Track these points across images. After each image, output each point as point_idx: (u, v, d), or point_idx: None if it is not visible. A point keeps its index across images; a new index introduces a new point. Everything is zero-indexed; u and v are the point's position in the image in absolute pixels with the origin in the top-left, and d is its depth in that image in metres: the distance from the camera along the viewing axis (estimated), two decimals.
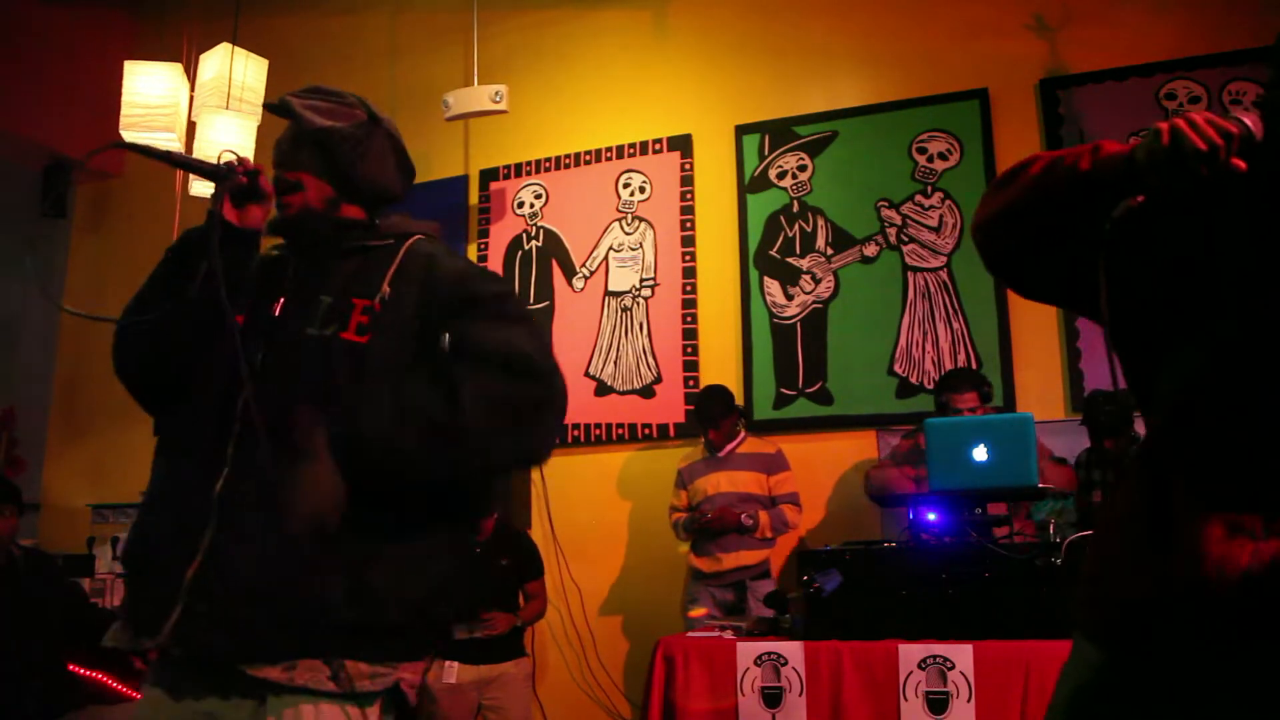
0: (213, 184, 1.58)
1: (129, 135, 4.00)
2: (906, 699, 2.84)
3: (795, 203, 4.73)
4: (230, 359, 1.47)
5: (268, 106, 1.69)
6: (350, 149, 1.62)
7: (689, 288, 4.81)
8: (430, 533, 1.50)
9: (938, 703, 2.80)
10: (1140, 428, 2.17)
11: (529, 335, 1.53)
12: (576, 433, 4.85)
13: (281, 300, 1.56)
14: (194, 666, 1.43)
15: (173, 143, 4.02)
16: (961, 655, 2.80)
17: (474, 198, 5.29)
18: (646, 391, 4.79)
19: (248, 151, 3.86)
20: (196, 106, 3.95)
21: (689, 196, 4.90)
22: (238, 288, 1.53)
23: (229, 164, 1.57)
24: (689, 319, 4.79)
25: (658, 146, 5.00)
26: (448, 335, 1.52)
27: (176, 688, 1.45)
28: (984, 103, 4.46)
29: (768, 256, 4.71)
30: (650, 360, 4.81)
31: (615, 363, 4.86)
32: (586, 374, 4.89)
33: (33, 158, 5.75)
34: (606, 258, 4.99)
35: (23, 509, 3.64)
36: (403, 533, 1.47)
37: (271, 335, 1.53)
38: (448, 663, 3.75)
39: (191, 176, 3.83)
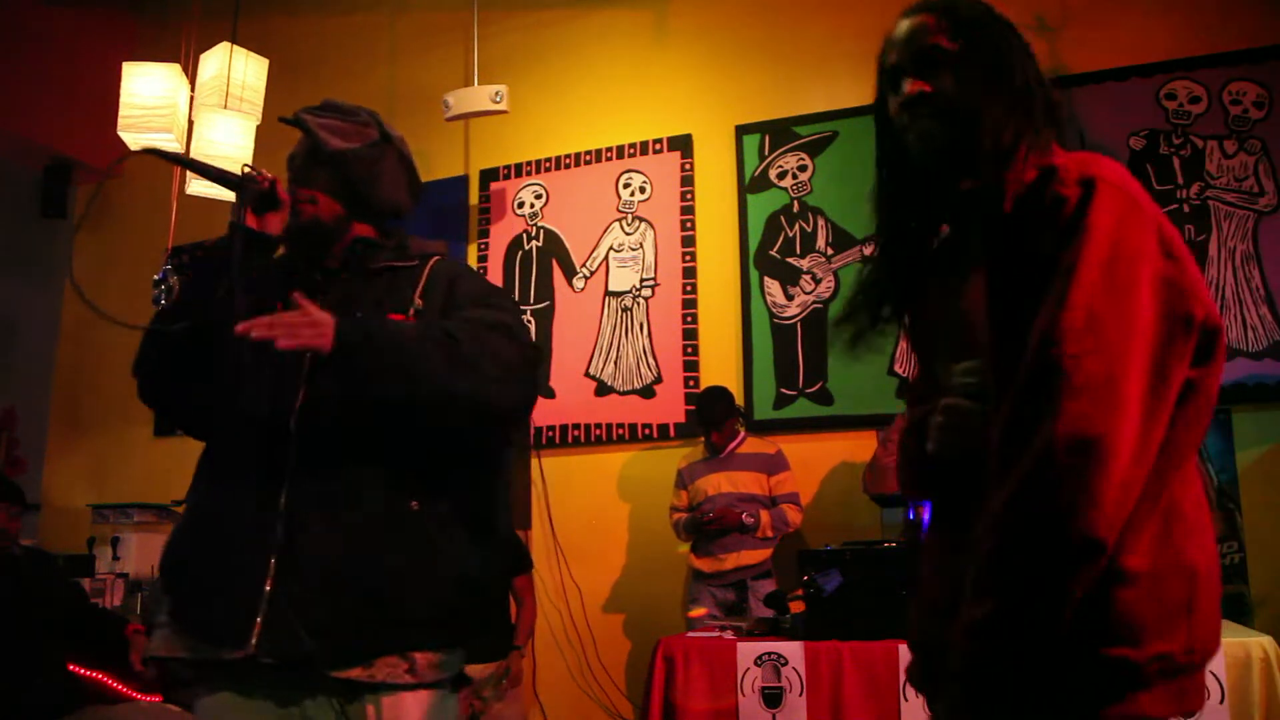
0: (230, 191, 1.64)
1: (127, 136, 4.00)
2: (907, 699, 2.84)
3: (795, 203, 4.73)
4: (273, 372, 1.54)
5: (283, 120, 1.74)
6: (364, 171, 1.69)
7: (689, 288, 4.81)
8: (475, 525, 1.61)
9: None
10: None
11: (516, 321, 1.65)
12: (576, 433, 4.85)
13: None
14: (271, 670, 1.48)
15: (171, 143, 4.02)
16: None
17: (474, 198, 5.29)
18: (647, 392, 4.79)
19: (247, 151, 3.86)
20: (196, 106, 3.96)
21: (689, 196, 4.90)
22: (263, 296, 1.59)
23: (249, 175, 1.63)
24: (689, 319, 4.79)
25: (658, 146, 5.00)
26: None
27: (249, 691, 1.52)
28: None
29: (768, 256, 4.72)
30: (650, 360, 4.81)
31: (615, 363, 4.86)
32: (587, 374, 4.89)
33: (33, 158, 5.75)
34: (607, 258, 4.98)
35: (25, 509, 3.64)
36: (454, 525, 1.57)
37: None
38: None
39: (190, 176, 3.83)
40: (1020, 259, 1.14)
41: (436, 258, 1.73)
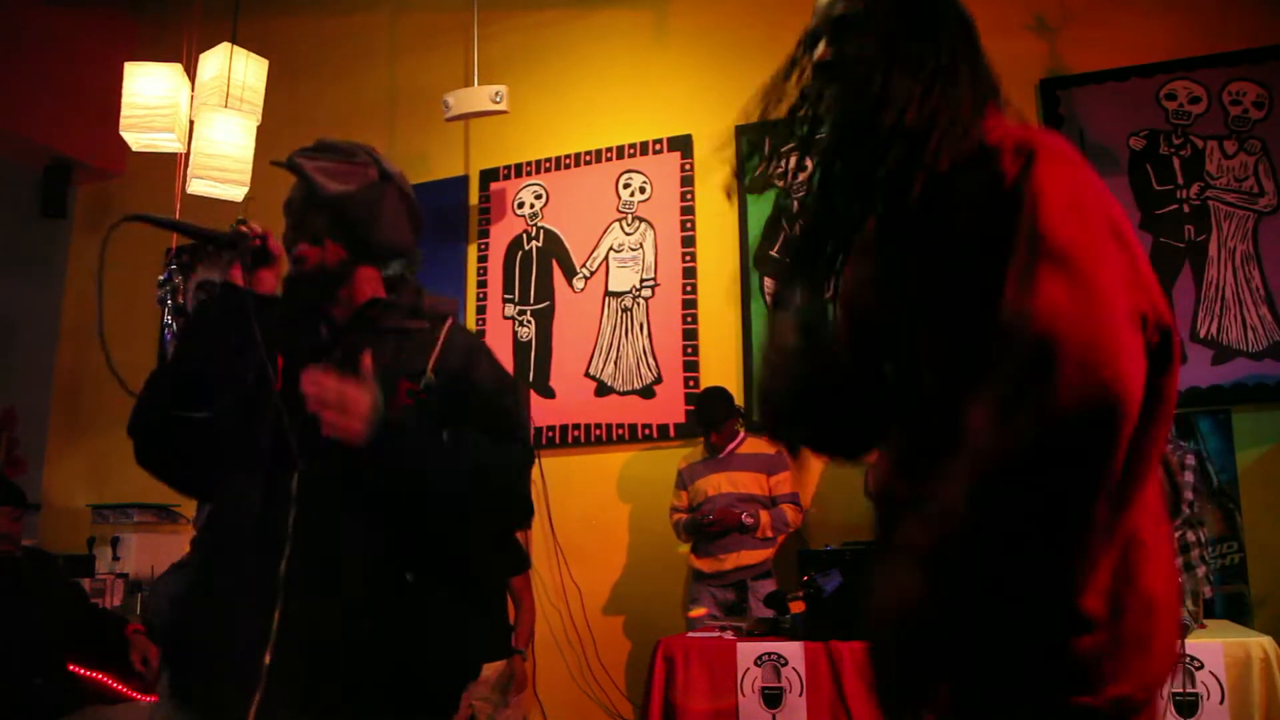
0: (221, 249, 1.62)
1: (129, 136, 4.00)
2: None
3: (795, 203, 4.72)
4: (276, 439, 1.52)
5: (276, 164, 1.69)
6: (364, 213, 1.63)
7: (689, 288, 4.81)
8: (479, 590, 1.63)
9: None
10: None
11: (521, 464, 1.64)
12: (576, 433, 4.85)
13: None
14: None
15: (173, 143, 4.02)
16: None
17: (474, 198, 5.29)
18: (647, 392, 4.79)
19: (247, 150, 3.86)
20: (196, 106, 3.96)
21: (689, 197, 4.90)
22: (261, 356, 1.57)
23: (239, 233, 1.59)
24: (689, 319, 4.79)
25: (658, 147, 5.00)
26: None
27: None
28: None
29: (768, 257, 4.72)
30: (650, 360, 4.81)
31: (615, 363, 4.86)
32: (587, 374, 4.89)
33: (33, 158, 5.75)
34: (607, 258, 4.98)
35: (26, 511, 3.64)
36: (447, 600, 1.56)
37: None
38: None
39: (191, 175, 3.83)
40: (950, 242, 1.06)
41: (450, 322, 1.69)
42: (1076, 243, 0.97)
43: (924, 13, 1.17)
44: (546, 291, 5.05)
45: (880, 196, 1.15)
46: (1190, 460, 3.52)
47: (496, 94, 4.70)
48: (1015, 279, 0.97)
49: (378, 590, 1.49)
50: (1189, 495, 3.44)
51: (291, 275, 1.66)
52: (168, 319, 5.23)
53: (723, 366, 4.67)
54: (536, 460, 4.77)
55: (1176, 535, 3.49)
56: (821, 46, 1.20)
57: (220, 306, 1.60)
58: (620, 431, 4.79)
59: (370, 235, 1.64)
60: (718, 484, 4.14)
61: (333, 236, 1.62)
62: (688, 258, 4.84)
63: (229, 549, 1.55)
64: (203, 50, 4.03)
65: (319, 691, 1.44)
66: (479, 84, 4.98)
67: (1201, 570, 3.51)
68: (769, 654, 3.07)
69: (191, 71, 4.08)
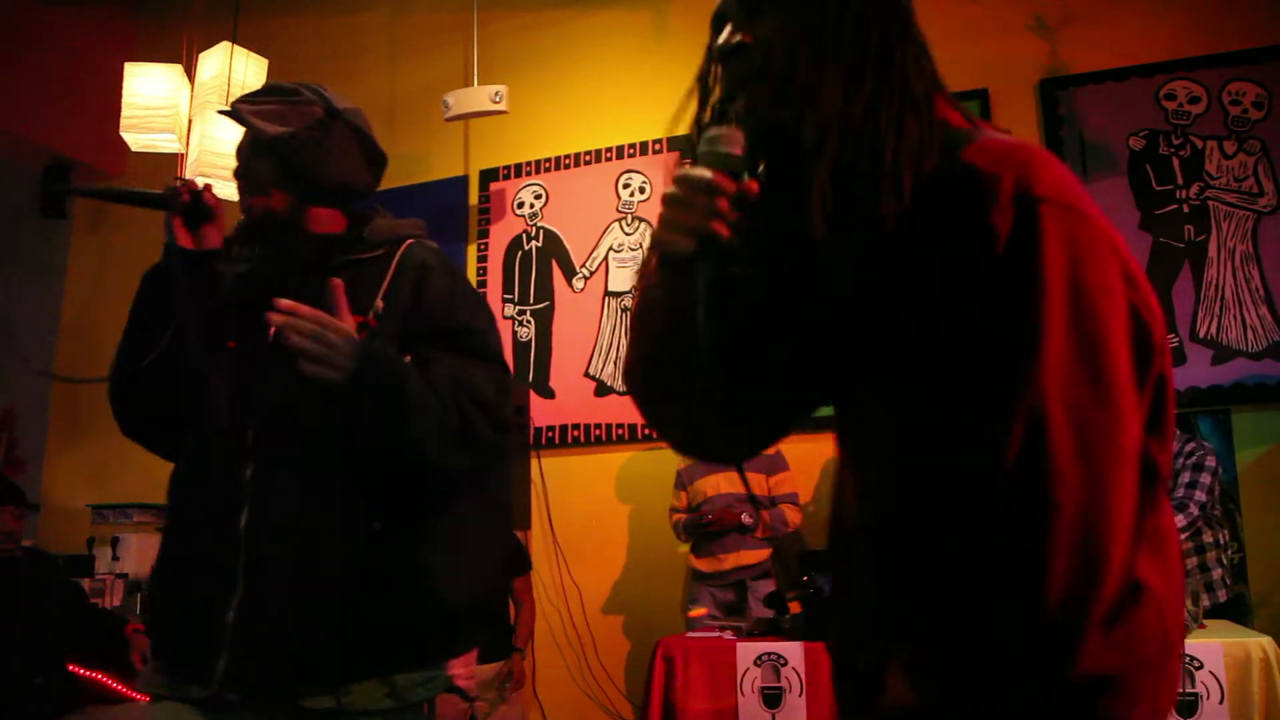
0: (159, 210, 1.57)
1: (129, 136, 4.00)
2: None
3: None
4: (233, 391, 1.47)
5: (222, 113, 1.65)
6: (308, 153, 1.55)
7: None
8: (456, 530, 1.51)
9: None
10: None
11: (495, 382, 1.53)
12: (576, 433, 4.85)
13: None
14: (241, 706, 1.41)
15: (172, 143, 4.03)
16: None
17: (474, 198, 5.29)
18: None
19: None
20: (196, 105, 3.96)
21: None
22: (213, 313, 1.53)
23: (171, 189, 1.54)
24: None
25: (658, 147, 5.00)
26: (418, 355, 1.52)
27: None
28: (984, 103, 4.45)
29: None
30: None
31: (615, 363, 4.86)
32: (586, 374, 4.89)
33: (33, 158, 5.74)
34: (606, 258, 4.99)
35: (27, 510, 3.64)
36: (428, 533, 1.48)
37: (269, 360, 1.48)
38: None
39: (190, 175, 3.83)
40: (918, 280, 0.86)
41: (409, 242, 1.59)
42: (1083, 385, 0.80)
43: None
44: (546, 291, 5.05)
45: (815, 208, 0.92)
46: (1210, 461, 3.51)
47: (496, 94, 4.70)
48: (1004, 391, 0.80)
49: (342, 542, 1.42)
50: (1202, 497, 3.43)
51: (241, 226, 1.60)
52: None
53: None
54: (536, 459, 4.79)
55: (1192, 533, 3.48)
56: (727, 31, 0.99)
57: (161, 270, 1.56)
58: (620, 431, 4.79)
59: (317, 175, 1.56)
60: (717, 484, 4.14)
61: (278, 181, 1.56)
62: None
63: (190, 508, 1.52)
64: (203, 50, 4.04)
65: (287, 648, 1.38)
66: (479, 84, 4.98)
67: (1218, 573, 3.51)
68: (769, 654, 3.07)
69: (191, 71, 4.09)
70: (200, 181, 1.58)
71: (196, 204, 1.55)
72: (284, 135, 1.54)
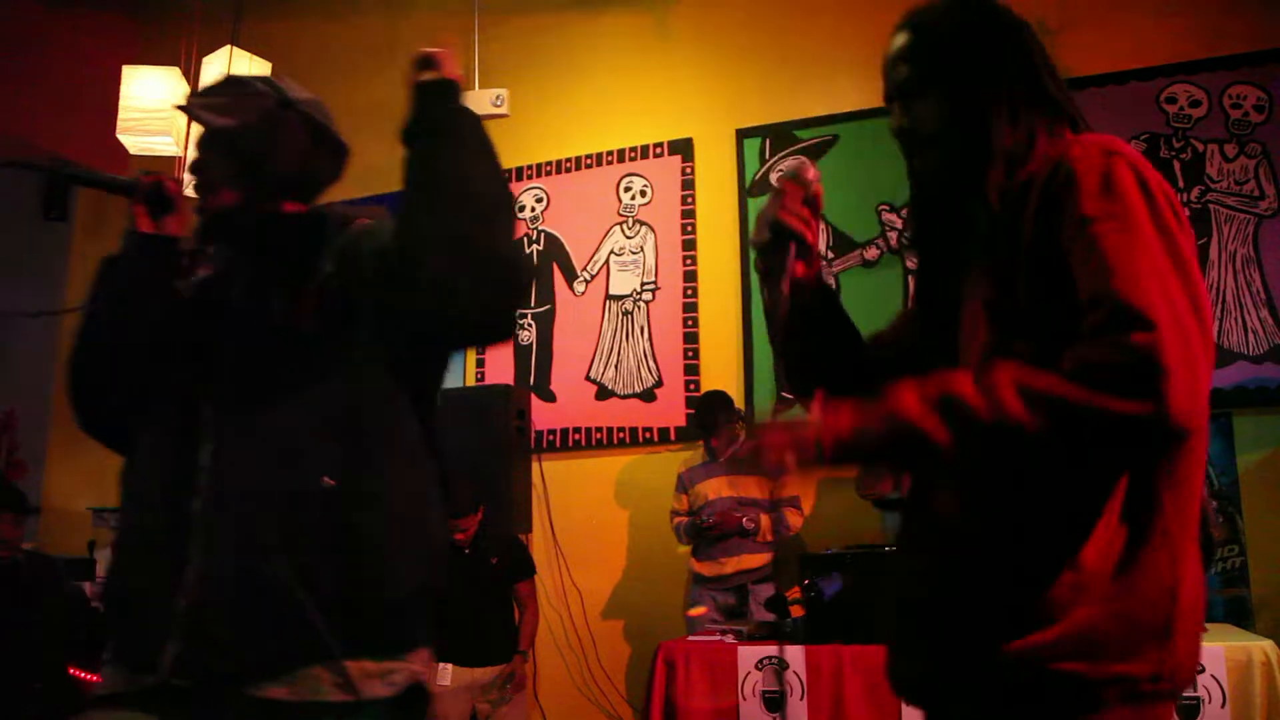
0: (123, 195, 1.57)
1: (126, 139, 4.00)
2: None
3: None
4: (189, 376, 1.44)
5: (178, 108, 1.65)
6: (255, 145, 1.51)
7: (690, 291, 4.81)
8: (407, 501, 1.43)
9: None
10: None
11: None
12: (577, 436, 4.85)
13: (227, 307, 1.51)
14: (190, 696, 1.34)
15: (170, 146, 4.03)
16: None
17: None
18: (647, 395, 4.79)
19: None
20: None
21: (690, 200, 4.91)
22: (173, 301, 1.52)
23: (134, 179, 1.55)
24: (690, 322, 4.79)
25: (659, 150, 5.00)
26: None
27: (171, 717, 1.36)
28: None
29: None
30: (651, 364, 4.81)
31: (616, 366, 4.86)
32: (587, 378, 4.89)
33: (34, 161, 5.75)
34: (607, 261, 4.99)
35: (27, 515, 3.64)
36: (381, 504, 1.40)
37: (227, 349, 1.45)
38: (441, 665, 3.74)
39: (187, 177, 3.82)
40: (1029, 241, 1.11)
41: (361, 220, 1.51)
42: (1160, 255, 1.03)
43: (978, 50, 1.21)
44: (547, 295, 5.05)
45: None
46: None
47: (497, 97, 4.70)
48: (1094, 266, 1.03)
49: (295, 511, 1.34)
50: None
51: (199, 222, 1.57)
52: None
53: (723, 370, 4.67)
54: (537, 462, 4.79)
55: None
56: (896, 114, 1.26)
57: (119, 255, 1.56)
58: (621, 435, 4.79)
59: (264, 166, 1.51)
60: (718, 487, 4.14)
61: (227, 175, 1.51)
62: (688, 261, 4.84)
63: (143, 493, 1.48)
64: (204, 53, 4.04)
65: (235, 631, 1.31)
66: (480, 87, 4.98)
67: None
68: (770, 657, 3.06)
69: (193, 75, 4.09)
70: (166, 177, 1.60)
71: (159, 193, 1.56)
72: (230, 129, 1.51)
